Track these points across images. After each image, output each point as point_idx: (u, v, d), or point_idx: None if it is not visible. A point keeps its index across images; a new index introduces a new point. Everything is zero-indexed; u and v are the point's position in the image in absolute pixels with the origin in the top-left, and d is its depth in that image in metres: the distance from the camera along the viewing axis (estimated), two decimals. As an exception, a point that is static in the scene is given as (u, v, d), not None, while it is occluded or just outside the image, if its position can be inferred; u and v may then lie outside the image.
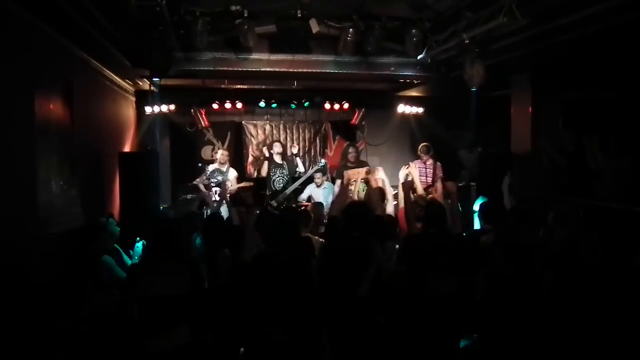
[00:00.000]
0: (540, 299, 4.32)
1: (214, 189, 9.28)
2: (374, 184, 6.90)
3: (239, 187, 9.49)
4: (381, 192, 6.37)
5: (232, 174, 9.60)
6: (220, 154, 9.61)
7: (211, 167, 9.47)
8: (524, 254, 4.43)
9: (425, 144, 9.75)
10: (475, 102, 9.36)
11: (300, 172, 9.93)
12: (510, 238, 4.69)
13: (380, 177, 7.01)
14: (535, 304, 4.27)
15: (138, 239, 6.18)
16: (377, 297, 4.15)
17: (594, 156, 6.99)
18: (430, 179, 9.70)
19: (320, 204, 7.81)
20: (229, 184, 9.39)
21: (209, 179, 9.34)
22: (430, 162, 9.65)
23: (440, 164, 9.79)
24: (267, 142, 11.47)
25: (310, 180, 9.54)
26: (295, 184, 9.60)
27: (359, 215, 4.56)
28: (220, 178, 9.35)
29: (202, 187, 9.38)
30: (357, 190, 7.55)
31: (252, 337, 4.22)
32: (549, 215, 5.40)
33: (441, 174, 9.69)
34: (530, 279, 4.35)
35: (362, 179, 7.62)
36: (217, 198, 9.30)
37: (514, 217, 5.21)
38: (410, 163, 9.79)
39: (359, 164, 8.59)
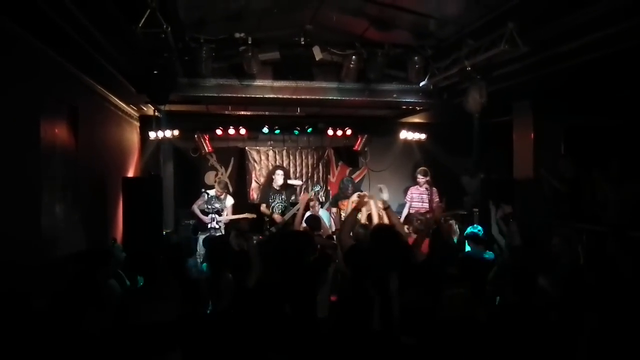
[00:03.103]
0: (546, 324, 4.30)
1: (210, 216, 9.31)
2: (364, 212, 6.19)
3: (242, 218, 9.55)
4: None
5: (230, 201, 9.65)
6: (215, 187, 9.70)
7: (211, 192, 9.51)
8: (531, 280, 4.44)
9: (423, 167, 9.91)
10: (477, 129, 9.40)
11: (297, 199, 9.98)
12: (519, 264, 4.72)
13: (384, 197, 6.16)
14: (541, 329, 4.25)
15: None
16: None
17: (602, 188, 6.97)
18: (427, 204, 9.78)
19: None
20: (226, 212, 9.47)
21: (206, 204, 9.39)
22: (426, 186, 9.84)
23: (435, 189, 9.92)
24: (270, 168, 11.56)
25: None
26: (293, 209, 9.63)
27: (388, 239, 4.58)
28: (217, 205, 9.39)
29: (197, 211, 9.39)
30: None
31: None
32: (553, 240, 5.40)
33: (437, 199, 9.80)
34: (536, 303, 4.34)
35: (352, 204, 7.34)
36: (216, 225, 9.32)
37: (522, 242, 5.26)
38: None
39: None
